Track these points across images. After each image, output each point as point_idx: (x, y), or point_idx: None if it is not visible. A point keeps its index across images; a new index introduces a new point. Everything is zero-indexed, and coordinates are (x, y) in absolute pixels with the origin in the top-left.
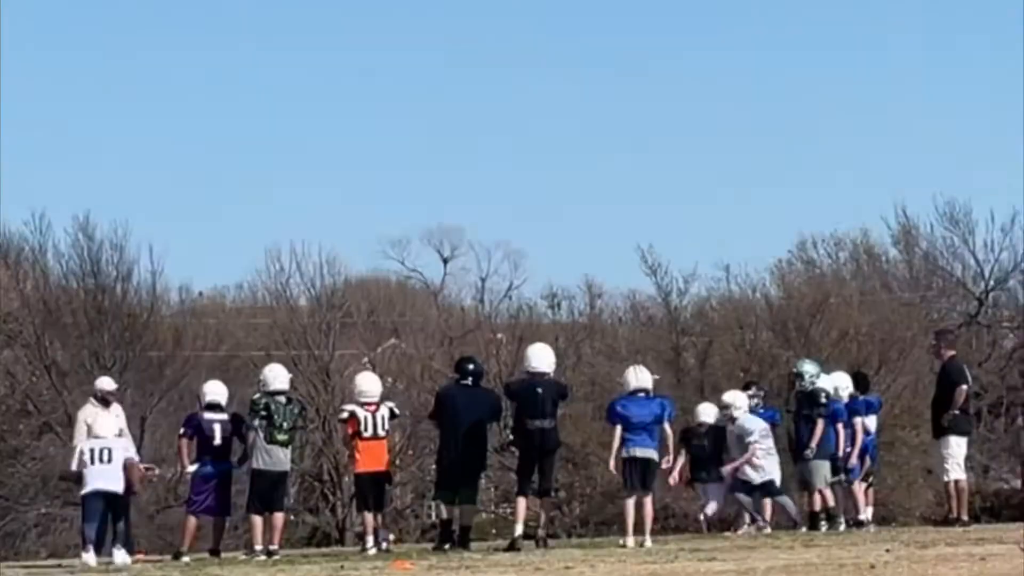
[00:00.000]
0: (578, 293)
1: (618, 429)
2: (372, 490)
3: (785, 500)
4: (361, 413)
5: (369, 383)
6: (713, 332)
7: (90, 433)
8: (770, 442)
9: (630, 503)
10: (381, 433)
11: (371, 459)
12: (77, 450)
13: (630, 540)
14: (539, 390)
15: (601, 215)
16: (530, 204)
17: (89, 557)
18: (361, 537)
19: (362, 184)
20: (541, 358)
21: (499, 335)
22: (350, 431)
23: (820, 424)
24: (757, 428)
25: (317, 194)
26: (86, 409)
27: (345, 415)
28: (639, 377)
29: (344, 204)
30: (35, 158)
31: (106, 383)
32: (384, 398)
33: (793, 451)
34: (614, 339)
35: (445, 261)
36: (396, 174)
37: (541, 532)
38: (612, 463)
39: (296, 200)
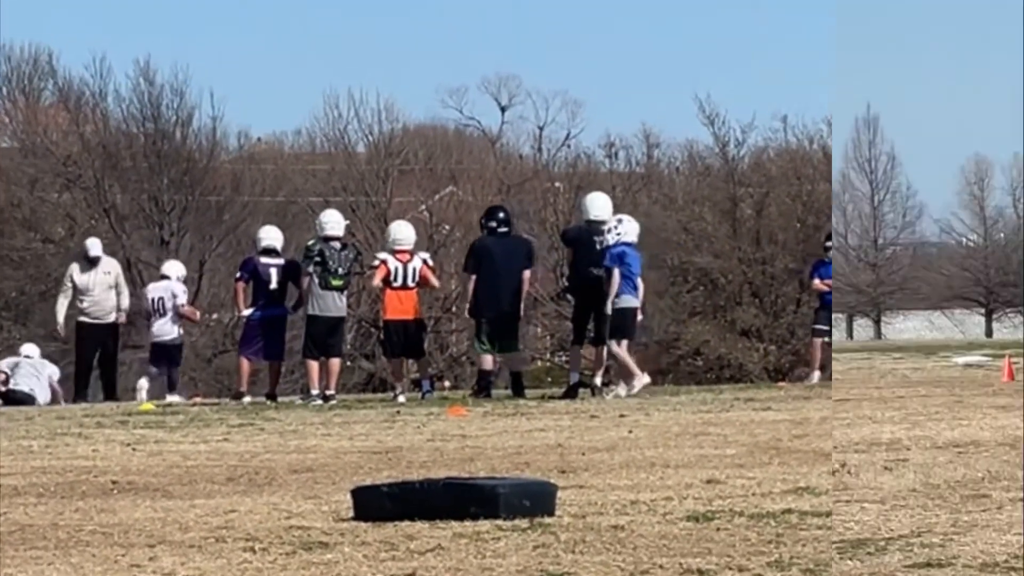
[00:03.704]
0: (636, 142)
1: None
2: (403, 338)
3: None
4: (392, 263)
5: (402, 231)
6: (770, 183)
7: (76, 292)
8: None
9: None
10: (410, 284)
11: (400, 307)
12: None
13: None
14: (596, 238)
15: (659, 64)
16: (588, 53)
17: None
18: (417, 384)
19: (420, 31)
20: (599, 206)
21: (556, 184)
22: (379, 278)
23: None
24: None
25: (376, 41)
26: (72, 267)
27: (376, 262)
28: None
29: (402, 52)
30: (97, 2)
31: (92, 246)
32: (417, 248)
33: None
34: (671, 188)
35: (503, 109)
36: (454, 21)
37: (596, 380)
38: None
39: (355, 47)
